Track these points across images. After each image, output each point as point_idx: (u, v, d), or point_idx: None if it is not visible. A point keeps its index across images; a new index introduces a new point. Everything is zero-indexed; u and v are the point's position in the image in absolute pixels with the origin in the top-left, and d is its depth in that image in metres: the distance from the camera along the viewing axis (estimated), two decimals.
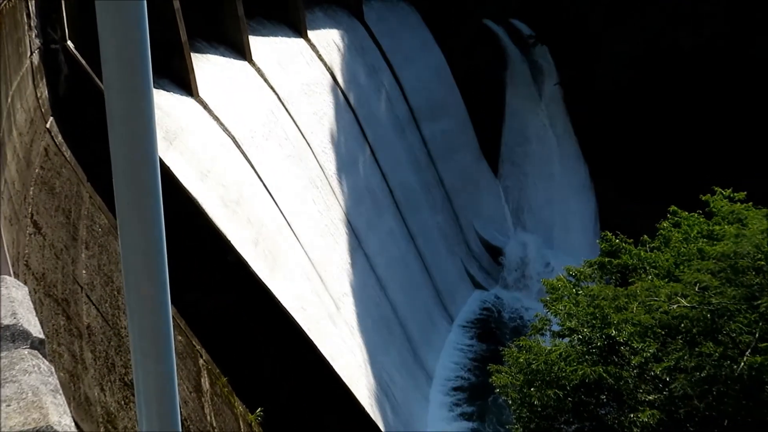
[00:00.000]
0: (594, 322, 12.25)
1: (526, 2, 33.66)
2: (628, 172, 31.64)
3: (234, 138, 20.85)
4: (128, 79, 2.26)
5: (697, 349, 11.15)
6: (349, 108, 27.58)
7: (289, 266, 21.08)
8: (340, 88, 27.26)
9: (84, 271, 10.55)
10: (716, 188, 15.09)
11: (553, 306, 13.22)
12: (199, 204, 16.86)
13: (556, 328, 13.23)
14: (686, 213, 15.15)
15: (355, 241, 25.40)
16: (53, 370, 2.82)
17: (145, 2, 2.32)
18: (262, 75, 23.53)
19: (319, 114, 25.77)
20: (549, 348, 12.68)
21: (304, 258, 22.05)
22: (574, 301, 13.16)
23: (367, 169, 27.72)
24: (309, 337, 18.01)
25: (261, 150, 21.90)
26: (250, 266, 17.75)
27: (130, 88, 2.28)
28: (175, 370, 2.48)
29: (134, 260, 2.34)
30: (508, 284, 33.00)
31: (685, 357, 11.10)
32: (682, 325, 11.59)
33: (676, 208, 15.39)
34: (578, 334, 12.40)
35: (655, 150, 30.82)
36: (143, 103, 2.28)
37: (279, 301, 18.58)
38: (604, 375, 11.47)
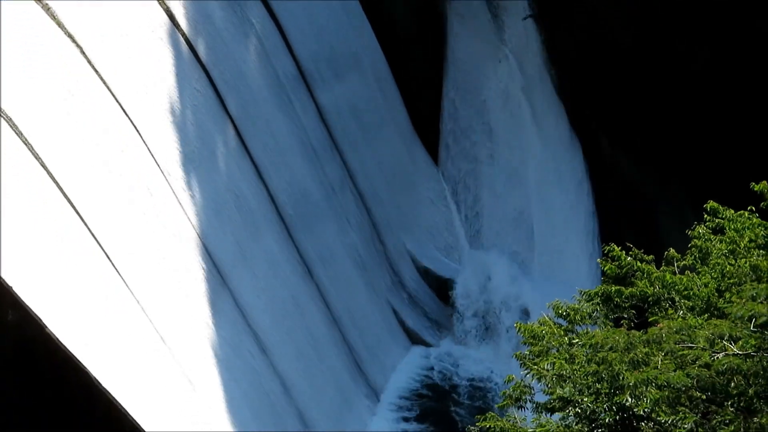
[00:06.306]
0: (598, 386, 12.42)
1: None
2: (645, 154, 32.23)
3: (10, 121, 20.53)
4: None
5: (756, 419, 11.41)
6: (198, 64, 27.42)
7: (112, 323, 20.83)
8: (182, 33, 27.11)
9: None
10: None
11: (534, 364, 13.35)
12: None
13: (540, 398, 13.36)
14: (732, 211, 15.53)
15: (216, 278, 25.22)
16: None
17: None
18: (51, 14, 23.18)
19: (148, 74, 25.55)
20: (531, 430, 12.78)
21: (136, 308, 21.79)
22: (566, 356, 13.31)
23: (232, 163, 27.57)
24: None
25: (53, 135, 21.56)
26: (48, 329, 17.55)
27: None
28: None
29: None
30: (464, 335, 33.22)
31: None
32: (733, 383, 11.84)
33: (716, 205, 15.77)
34: (575, 406, 12.54)
35: (686, 119, 31.41)
36: None
37: (98, 381, 18.36)
38: None
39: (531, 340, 14.10)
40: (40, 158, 20.79)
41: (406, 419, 29.79)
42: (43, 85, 22.00)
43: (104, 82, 23.91)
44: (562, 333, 14.13)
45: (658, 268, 15.08)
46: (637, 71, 31.28)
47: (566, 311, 14.65)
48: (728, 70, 28.72)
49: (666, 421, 11.80)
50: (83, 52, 23.63)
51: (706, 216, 15.76)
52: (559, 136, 34.10)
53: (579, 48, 32.74)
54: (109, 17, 25.01)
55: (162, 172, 24.80)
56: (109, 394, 18.69)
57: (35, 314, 18.20)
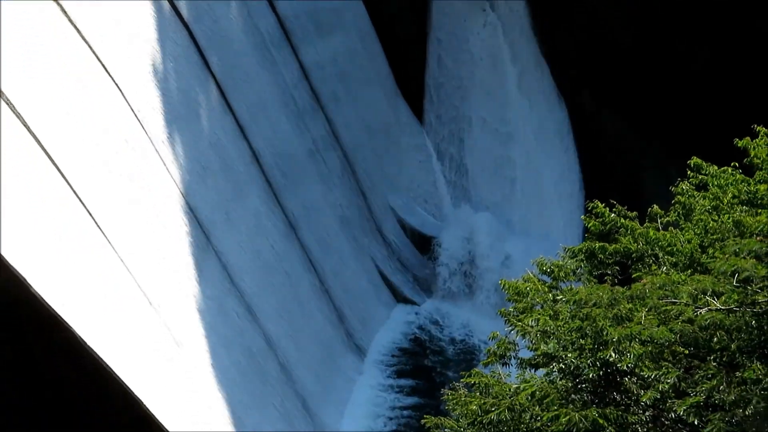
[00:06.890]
0: (582, 341, 12.51)
1: None
2: (629, 111, 32.28)
3: None
4: None
5: (738, 373, 11.52)
6: (180, 22, 27.27)
7: (97, 284, 20.81)
8: None
9: None
10: (759, 128, 15.58)
11: (519, 321, 13.45)
12: None
13: (525, 354, 13.49)
14: (716, 167, 15.61)
15: (200, 236, 25.22)
16: None
17: None
18: None
19: (129, 32, 25.39)
20: (516, 386, 12.88)
21: (120, 267, 21.77)
22: (550, 312, 13.40)
23: (215, 121, 27.52)
24: (138, 398, 18.00)
25: (34, 92, 21.44)
26: (34, 290, 17.53)
27: None
28: None
29: None
30: (448, 292, 33.36)
31: (722, 387, 11.47)
32: (716, 338, 11.96)
33: (699, 161, 15.84)
34: (559, 362, 12.65)
35: (672, 78, 31.50)
36: None
37: (84, 341, 18.38)
38: (601, 421, 11.74)
39: (515, 297, 14.18)
40: (17, 111, 20.71)
41: (391, 376, 29.96)
42: (24, 45, 21.89)
43: (84, 39, 23.77)
44: (546, 290, 14.19)
45: (641, 224, 15.17)
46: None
47: (550, 268, 14.74)
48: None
49: (649, 376, 11.91)
50: (62, 7, 23.47)
51: (689, 172, 15.82)
52: (543, 95, 34.12)
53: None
54: None
55: (144, 130, 24.70)
56: (95, 353, 18.69)
57: (20, 274, 18.15)
